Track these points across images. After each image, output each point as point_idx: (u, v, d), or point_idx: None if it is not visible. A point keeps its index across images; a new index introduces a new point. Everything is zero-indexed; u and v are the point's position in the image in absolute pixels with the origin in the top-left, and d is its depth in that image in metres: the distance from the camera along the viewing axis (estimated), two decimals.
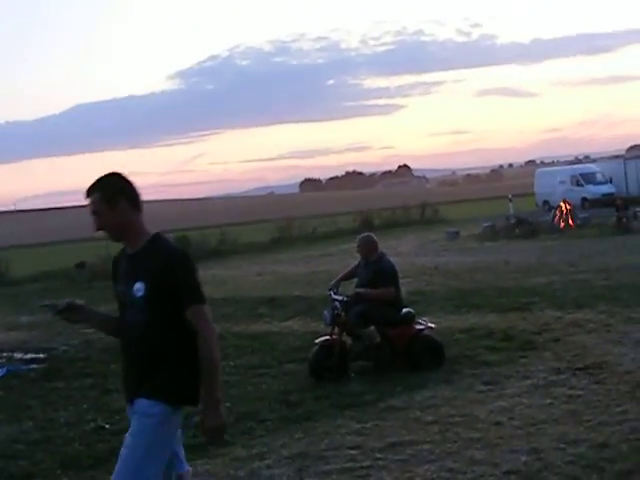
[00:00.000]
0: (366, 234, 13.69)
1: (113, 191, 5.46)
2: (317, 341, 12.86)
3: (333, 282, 13.41)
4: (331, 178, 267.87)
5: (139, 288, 5.40)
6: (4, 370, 15.99)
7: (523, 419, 9.64)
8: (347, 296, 12.94)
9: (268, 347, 15.74)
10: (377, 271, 12.85)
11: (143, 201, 5.56)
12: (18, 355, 17.56)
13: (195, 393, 5.54)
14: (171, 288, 5.37)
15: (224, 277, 32.02)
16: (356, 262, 13.57)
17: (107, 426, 11.02)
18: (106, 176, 5.55)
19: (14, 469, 9.58)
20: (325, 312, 12.98)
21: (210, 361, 5.37)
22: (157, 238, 5.59)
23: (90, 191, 5.52)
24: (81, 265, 38.14)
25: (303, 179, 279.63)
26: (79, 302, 5.78)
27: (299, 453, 9.20)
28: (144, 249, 5.50)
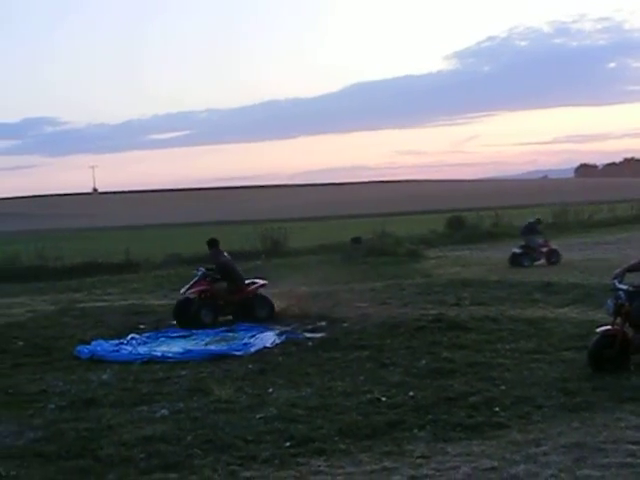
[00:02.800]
0: None
1: None
2: (598, 330, 12.47)
3: (618, 271, 12.96)
4: (608, 164, 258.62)
5: None
6: (284, 337, 16.60)
7: None
8: (633, 286, 12.49)
9: (544, 333, 15.49)
10: None
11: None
12: (296, 324, 18.16)
13: None
14: None
15: (498, 259, 31.79)
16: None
17: (383, 399, 11.24)
18: None
19: (294, 432, 9.94)
20: (608, 301, 12.57)
21: None
22: None
23: None
24: (357, 240, 38.77)
25: (578, 164, 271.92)
26: None
27: (576, 443, 9.04)
28: None
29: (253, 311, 19.36)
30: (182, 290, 19.62)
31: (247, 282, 19.88)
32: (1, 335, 18.87)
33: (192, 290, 19.29)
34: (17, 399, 12.50)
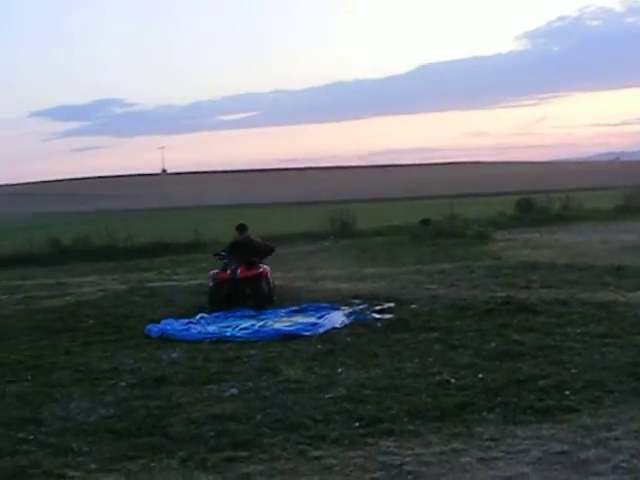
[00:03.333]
0: None
1: None
2: None
3: None
4: None
5: None
6: (352, 318, 16.61)
7: None
8: None
9: (615, 317, 15.23)
10: None
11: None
12: (365, 305, 18.15)
13: None
14: None
15: (567, 243, 31.41)
16: None
17: (453, 380, 11.18)
18: None
19: (363, 412, 9.95)
20: None
21: None
22: None
23: None
24: (426, 222, 38.71)
25: None
26: None
27: None
28: None
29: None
30: (229, 273, 19.19)
31: None
32: (72, 313, 19.19)
33: (252, 272, 19.19)
34: (88, 376, 12.69)
